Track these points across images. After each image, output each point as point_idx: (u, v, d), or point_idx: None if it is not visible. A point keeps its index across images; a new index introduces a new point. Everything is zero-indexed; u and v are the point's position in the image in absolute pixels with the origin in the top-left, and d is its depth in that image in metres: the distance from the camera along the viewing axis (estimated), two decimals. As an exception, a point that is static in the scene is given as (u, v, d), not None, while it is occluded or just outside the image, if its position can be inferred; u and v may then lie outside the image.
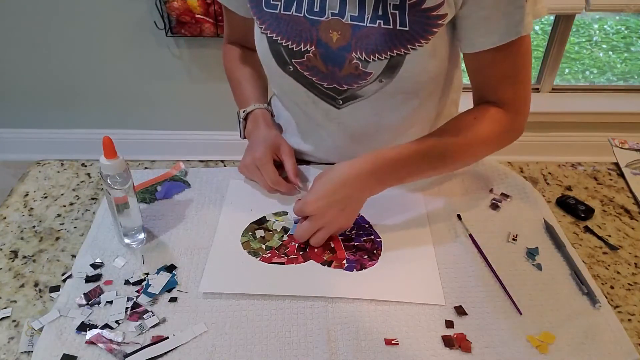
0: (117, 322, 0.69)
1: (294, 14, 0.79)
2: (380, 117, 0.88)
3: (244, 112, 0.95)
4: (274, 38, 0.82)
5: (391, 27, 0.76)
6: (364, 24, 0.77)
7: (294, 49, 0.81)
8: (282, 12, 0.80)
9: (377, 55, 0.78)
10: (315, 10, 0.78)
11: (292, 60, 0.82)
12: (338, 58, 0.80)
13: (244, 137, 0.97)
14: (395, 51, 0.77)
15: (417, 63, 0.78)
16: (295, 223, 0.83)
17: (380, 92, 0.82)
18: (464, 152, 0.82)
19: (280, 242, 0.80)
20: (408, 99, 0.85)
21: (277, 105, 1.02)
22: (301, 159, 0.99)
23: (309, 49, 0.80)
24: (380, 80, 0.80)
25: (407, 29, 0.76)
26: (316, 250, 0.78)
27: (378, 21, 0.76)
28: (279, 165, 0.88)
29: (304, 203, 0.77)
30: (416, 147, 0.79)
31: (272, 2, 0.80)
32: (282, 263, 0.77)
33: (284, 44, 0.81)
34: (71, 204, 0.89)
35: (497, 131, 0.82)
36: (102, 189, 0.91)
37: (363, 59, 0.79)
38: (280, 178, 0.86)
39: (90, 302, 0.71)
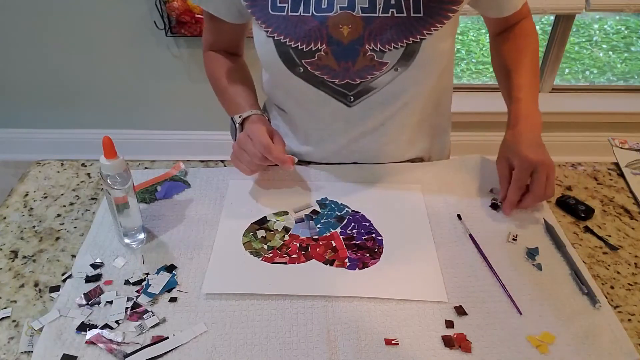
0: (117, 322, 0.69)
1: (302, 14, 0.79)
2: (389, 113, 0.88)
3: (240, 117, 0.94)
4: (282, 40, 0.81)
5: (405, 15, 0.76)
6: (376, 15, 0.77)
7: (304, 50, 0.80)
8: (289, 13, 0.79)
9: (392, 44, 0.78)
10: (323, 7, 0.78)
11: (302, 61, 0.82)
12: (351, 53, 0.80)
13: None
14: (411, 38, 0.78)
15: (432, 48, 0.79)
16: (296, 223, 0.83)
17: (393, 82, 0.83)
18: (537, 62, 0.95)
19: (282, 242, 0.80)
20: (419, 88, 0.86)
21: (273, 110, 1.01)
22: (300, 160, 0.98)
23: (319, 47, 0.80)
24: (396, 69, 0.81)
25: (422, 15, 0.77)
26: (318, 249, 0.79)
27: (391, 10, 0.77)
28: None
29: (521, 158, 0.82)
30: (520, 89, 0.89)
31: (279, 4, 0.79)
32: (284, 263, 0.77)
33: (292, 46, 0.80)
34: (71, 204, 0.89)
35: (536, 34, 0.96)
36: (102, 189, 0.91)
37: (378, 49, 0.79)
38: (272, 144, 0.82)
39: (90, 302, 0.71)
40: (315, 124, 0.93)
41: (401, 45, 0.78)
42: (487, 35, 1.01)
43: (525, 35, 0.94)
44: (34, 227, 0.84)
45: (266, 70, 0.91)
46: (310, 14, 0.78)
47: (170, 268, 0.76)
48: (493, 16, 0.91)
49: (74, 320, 0.69)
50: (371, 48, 0.79)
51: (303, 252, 0.78)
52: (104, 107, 2.23)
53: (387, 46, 0.78)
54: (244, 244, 0.80)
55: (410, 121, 0.92)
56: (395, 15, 0.77)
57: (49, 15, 1.98)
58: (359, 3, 0.77)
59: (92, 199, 0.90)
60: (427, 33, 0.78)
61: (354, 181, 0.91)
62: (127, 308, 0.71)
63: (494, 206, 0.87)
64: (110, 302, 0.71)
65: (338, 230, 0.82)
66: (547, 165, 0.81)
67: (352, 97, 0.86)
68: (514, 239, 0.81)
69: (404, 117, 0.91)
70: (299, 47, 0.80)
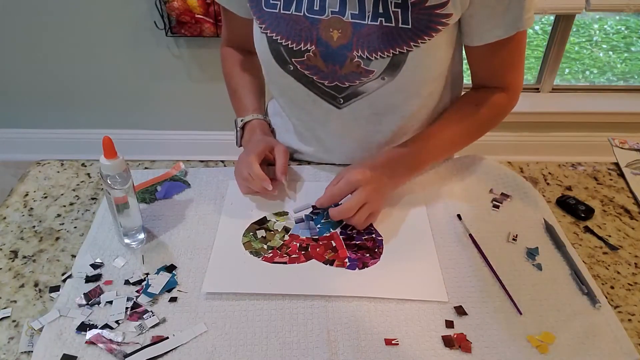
0: (117, 322, 0.69)
1: (293, 13, 0.79)
2: (381, 117, 0.88)
3: (242, 121, 0.95)
4: (273, 37, 0.81)
5: (393, 25, 0.76)
6: (365, 22, 0.77)
7: (294, 48, 0.81)
8: (281, 11, 0.80)
9: (379, 53, 0.78)
10: (315, 9, 0.78)
11: (292, 60, 0.82)
12: (339, 57, 0.80)
13: (240, 146, 0.97)
14: (397, 49, 0.77)
15: (420, 60, 0.79)
16: (296, 223, 0.83)
17: (382, 89, 0.82)
18: (469, 137, 0.90)
19: (282, 242, 0.80)
20: (409, 97, 0.85)
21: (276, 106, 1.02)
22: (301, 159, 0.99)
23: (309, 48, 0.80)
24: (383, 78, 0.80)
25: (410, 26, 0.76)
26: (318, 249, 0.79)
27: (379, 19, 0.76)
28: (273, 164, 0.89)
29: (352, 173, 0.79)
30: (426, 140, 0.87)
31: (271, 1, 0.80)
32: (284, 262, 0.77)
33: (283, 43, 0.81)
34: (71, 204, 0.89)
35: (498, 113, 0.90)
36: (102, 189, 0.91)
37: (365, 57, 0.79)
38: (262, 172, 0.83)
39: (90, 302, 0.71)
40: (309, 123, 0.93)
41: (387, 55, 0.78)
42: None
43: (487, 105, 0.88)
44: (34, 227, 0.84)
45: (263, 67, 0.92)
46: (302, 14, 0.79)
47: (170, 268, 0.76)
48: (465, 44, 0.85)
49: (74, 320, 0.69)
50: (358, 55, 0.79)
51: (303, 252, 0.78)
52: (104, 107, 2.23)
53: (373, 54, 0.78)
54: (244, 244, 0.80)
55: (407, 127, 0.91)
56: (384, 24, 0.76)
57: (49, 16, 1.98)
58: (349, 9, 0.77)
59: (92, 199, 0.90)
60: (414, 45, 0.77)
61: (354, 181, 0.91)
62: (127, 308, 0.71)
63: (494, 206, 0.87)
64: (110, 302, 0.71)
65: (338, 230, 0.82)
66: (368, 196, 0.78)
67: (341, 100, 0.86)
68: (514, 239, 0.81)
69: (400, 123, 0.90)
70: (289, 46, 0.81)
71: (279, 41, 0.81)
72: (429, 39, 0.77)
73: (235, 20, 0.93)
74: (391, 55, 0.78)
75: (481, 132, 0.91)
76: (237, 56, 1.00)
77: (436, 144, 0.87)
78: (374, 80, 0.81)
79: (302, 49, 0.80)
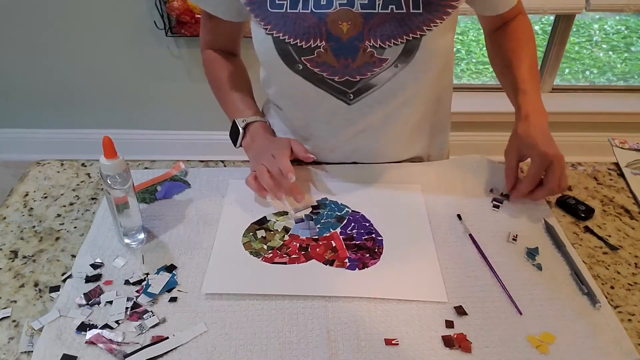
0: (117, 322, 0.69)
1: (300, 11, 0.79)
2: (388, 111, 0.88)
3: (244, 121, 0.93)
4: (280, 38, 0.81)
5: (404, 11, 0.77)
6: (376, 11, 0.77)
7: (303, 47, 0.80)
8: (288, 10, 0.79)
9: (392, 40, 0.78)
10: (322, 3, 0.78)
11: (302, 58, 0.81)
12: (351, 49, 0.80)
13: (240, 146, 0.95)
14: (411, 35, 0.78)
15: (433, 44, 0.80)
16: (296, 223, 0.83)
17: (393, 79, 0.83)
18: (536, 56, 0.95)
19: (282, 242, 0.80)
20: (419, 84, 0.86)
21: (271, 109, 1.01)
22: (300, 160, 0.98)
23: (319, 44, 0.80)
24: (396, 65, 0.81)
25: (421, 11, 0.77)
26: (318, 249, 0.79)
27: (390, 6, 0.77)
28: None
29: (543, 151, 0.83)
30: (531, 79, 0.90)
31: (277, 2, 0.79)
32: (284, 263, 0.77)
33: (292, 43, 0.80)
34: (71, 204, 0.89)
35: (531, 28, 0.97)
36: (102, 189, 0.91)
37: (378, 46, 0.79)
38: (291, 166, 0.83)
39: (90, 302, 0.71)
40: (312, 122, 0.93)
41: (401, 42, 0.79)
42: (487, 35, 1.01)
43: (522, 30, 0.95)
44: (34, 227, 0.84)
45: (265, 68, 0.91)
46: (309, 11, 0.78)
47: (170, 268, 0.76)
48: (488, 14, 0.92)
49: (74, 320, 0.69)
50: (371, 44, 0.79)
51: (303, 252, 0.78)
52: (104, 107, 2.23)
53: (387, 42, 0.79)
54: (244, 244, 0.80)
55: (410, 120, 0.92)
56: (395, 11, 0.77)
57: (48, 15, 1.98)
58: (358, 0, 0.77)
59: (92, 199, 0.90)
60: (426, 29, 0.78)
61: (354, 181, 0.91)
62: (127, 308, 0.71)
63: (494, 206, 0.87)
64: (110, 302, 0.71)
65: (338, 230, 0.82)
66: (560, 159, 0.82)
67: (351, 95, 0.85)
68: (514, 239, 0.81)
69: (405, 116, 0.91)
70: (298, 44, 0.80)
71: (286, 41, 0.80)
72: (440, 22, 0.78)
73: (221, 25, 0.92)
74: (405, 41, 0.78)
75: (535, 47, 0.97)
76: (223, 60, 0.99)
77: (530, 76, 0.90)
78: (387, 70, 0.81)
79: (312, 46, 0.80)
